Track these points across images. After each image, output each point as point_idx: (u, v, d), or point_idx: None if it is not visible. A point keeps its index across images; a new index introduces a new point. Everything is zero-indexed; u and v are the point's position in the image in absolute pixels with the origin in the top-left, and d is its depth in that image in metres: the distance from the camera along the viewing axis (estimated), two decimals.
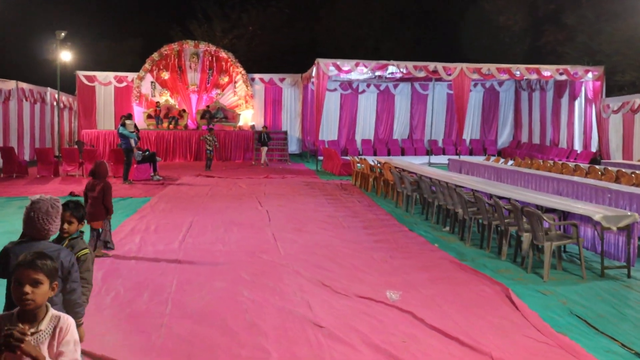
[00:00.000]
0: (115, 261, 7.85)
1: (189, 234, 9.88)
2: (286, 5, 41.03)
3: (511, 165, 17.33)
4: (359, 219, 11.67)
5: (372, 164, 16.85)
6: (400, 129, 30.86)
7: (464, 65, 22.74)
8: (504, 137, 31.19)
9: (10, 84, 21.11)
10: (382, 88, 30.20)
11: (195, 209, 12.55)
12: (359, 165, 17.73)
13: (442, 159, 25.72)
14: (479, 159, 19.89)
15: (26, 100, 22.47)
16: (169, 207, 12.77)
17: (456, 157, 21.24)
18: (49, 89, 25.40)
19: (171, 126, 26.72)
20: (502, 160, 18.94)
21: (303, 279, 7.25)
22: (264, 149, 23.83)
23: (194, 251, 8.68)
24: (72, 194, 14.34)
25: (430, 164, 22.19)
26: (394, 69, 23.34)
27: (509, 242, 8.75)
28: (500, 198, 9.35)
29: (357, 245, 9.28)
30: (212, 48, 28.81)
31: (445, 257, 8.57)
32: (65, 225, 4.33)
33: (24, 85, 22.31)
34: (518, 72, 23.16)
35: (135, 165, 17.62)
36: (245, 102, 28.75)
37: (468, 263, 8.27)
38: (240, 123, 28.04)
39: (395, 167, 14.80)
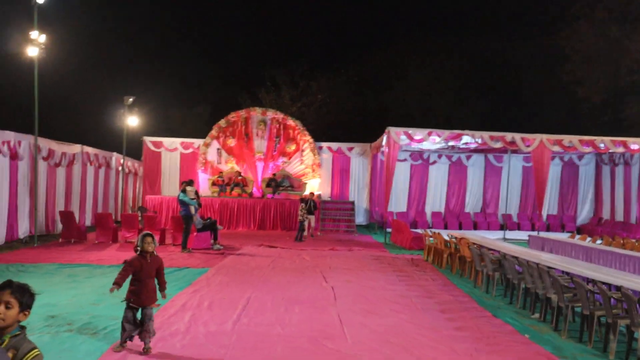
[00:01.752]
0: (159, 341, 6.83)
1: (245, 313, 8.85)
2: (355, 74, 40.70)
3: (600, 244, 15.76)
4: (435, 300, 10.43)
5: (447, 238, 15.62)
6: (472, 202, 29.48)
7: (544, 136, 21.45)
8: (584, 214, 29.33)
9: (75, 148, 20.93)
10: (454, 159, 29.03)
11: (255, 283, 11.56)
12: (431, 239, 16.51)
13: (518, 235, 24.31)
14: (562, 236, 18.36)
15: (90, 164, 22.28)
16: (227, 280, 11.81)
17: (537, 234, 19.75)
18: (114, 153, 25.29)
19: (235, 194, 26.12)
20: (589, 238, 17.36)
21: None
22: (312, 219, 22.23)
23: (248, 335, 7.62)
24: (126, 262, 13.55)
25: (505, 240, 20.73)
26: (468, 139, 22.20)
27: (617, 338, 7.39)
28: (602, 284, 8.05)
29: (435, 333, 8.06)
30: (280, 115, 28.36)
31: (542, 354, 7.27)
32: (1, 309, 3.23)
33: (89, 150, 22.15)
34: (602, 145, 21.69)
35: (195, 234, 16.86)
36: (312, 170, 28.01)
37: None
38: (307, 192, 27.23)
39: (474, 243, 13.54)
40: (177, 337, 7.35)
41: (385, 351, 7.03)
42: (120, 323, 7.85)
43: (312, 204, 21.75)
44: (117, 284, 6.59)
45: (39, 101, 16.95)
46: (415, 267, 14.74)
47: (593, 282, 8.77)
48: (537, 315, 9.46)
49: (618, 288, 8.43)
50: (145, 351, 6.63)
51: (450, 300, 10.59)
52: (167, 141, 28.54)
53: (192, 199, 16.60)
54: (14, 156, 16.50)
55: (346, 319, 8.64)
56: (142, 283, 6.72)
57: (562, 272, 10.20)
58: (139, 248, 6.78)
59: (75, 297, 9.58)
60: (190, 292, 10.34)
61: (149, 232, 6.87)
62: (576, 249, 14.49)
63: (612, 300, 7.54)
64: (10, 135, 16.24)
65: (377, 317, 8.94)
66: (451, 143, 23.67)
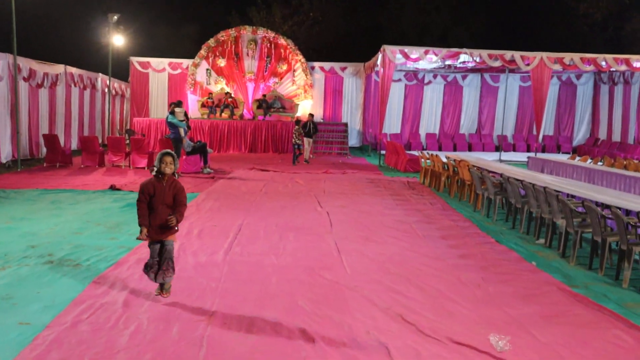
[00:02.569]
0: (143, 279, 6.34)
1: (237, 241, 8.38)
2: None
3: (602, 165, 15.29)
4: (435, 226, 9.99)
5: (444, 160, 15.12)
6: (467, 123, 28.92)
7: (545, 54, 20.72)
8: (581, 135, 28.83)
9: (58, 68, 20.06)
10: (449, 79, 28.31)
11: (247, 209, 11.08)
12: (428, 161, 16.01)
13: (513, 156, 23.94)
14: (561, 157, 17.88)
15: (75, 85, 21.46)
16: (217, 206, 11.32)
17: (535, 155, 19.28)
18: (100, 74, 24.43)
19: (225, 115, 25.43)
20: (589, 160, 16.89)
21: (377, 311, 5.67)
22: (309, 142, 20.84)
23: (241, 265, 7.16)
24: (112, 187, 13.05)
25: (501, 161, 20.31)
26: (466, 57, 21.45)
27: (632, 265, 6.97)
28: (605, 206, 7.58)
29: (438, 261, 7.63)
30: (271, 34, 27.34)
31: (552, 282, 6.86)
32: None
33: (73, 70, 21.29)
34: (604, 63, 20.98)
35: (184, 157, 16.30)
36: (304, 91, 27.23)
37: (581, 291, 6.57)
38: (299, 113, 26.56)
39: (474, 166, 13.04)
40: None
41: (387, 282, 6.59)
42: (104, 254, 7.40)
43: (312, 126, 20.65)
44: (144, 224, 5.54)
45: (18, 19, 16.04)
46: (412, 191, 14.29)
47: (605, 206, 8.33)
48: (542, 240, 9.05)
49: (627, 212, 8.01)
50: (165, 291, 5.80)
51: (451, 225, 10.16)
52: (155, 61, 27.63)
53: (181, 120, 15.95)
54: None
55: (344, 247, 8.19)
56: (155, 212, 5.58)
57: (567, 195, 9.74)
58: (155, 168, 5.62)
59: (58, 226, 9.06)
60: None
61: (169, 150, 5.69)
62: (578, 170, 14.02)
63: (628, 226, 7.10)
64: None
65: (376, 244, 8.49)
66: (448, 62, 22.99)
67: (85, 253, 7.46)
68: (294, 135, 20.07)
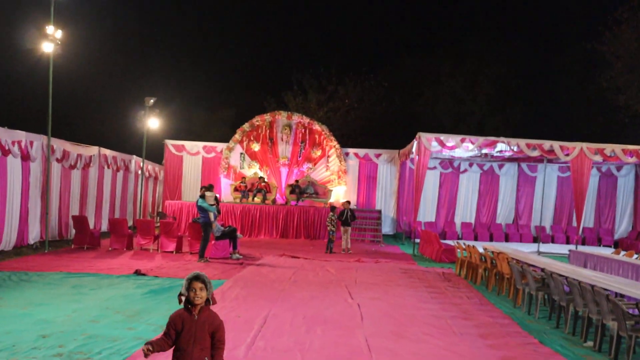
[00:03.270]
0: None
1: (261, 335, 7.86)
2: (385, 79, 39.59)
3: None
4: (473, 323, 9.35)
5: (481, 251, 14.51)
6: (504, 213, 28.25)
7: (585, 145, 20.24)
8: (622, 227, 27.93)
9: (92, 150, 20.13)
10: (485, 168, 27.86)
11: (274, 299, 10.57)
12: (464, 252, 15.40)
13: (552, 248, 23.15)
14: (603, 251, 17.12)
15: (108, 167, 21.48)
16: (244, 295, 10.82)
17: (576, 248, 18.52)
18: (134, 156, 24.53)
19: (258, 200, 25.20)
20: (635, 255, 16.09)
21: None
22: (348, 230, 19.70)
23: None
24: (137, 272, 12.68)
25: (539, 253, 19.57)
26: (503, 146, 21.07)
27: None
28: None
29: None
30: (306, 120, 27.38)
31: None
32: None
33: (107, 152, 21.36)
34: None
35: (213, 242, 15.93)
36: (338, 177, 26.98)
37: None
38: (332, 199, 26.24)
39: (513, 259, 12.42)
40: None
41: None
42: (117, 346, 6.94)
43: (349, 215, 19.42)
44: (151, 344, 4.32)
45: (55, 101, 16.19)
46: (447, 283, 13.66)
47: None
48: (590, 343, 8.35)
49: None
50: None
51: (490, 322, 9.51)
52: (189, 145, 27.79)
53: (212, 204, 15.68)
54: (25, 157, 15.71)
55: (374, 345, 7.61)
56: (184, 353, 4.33)
57: (616, 294, 9.07)
58: (182, 297, 4.47)
59: (76, 312, 8.65)
60: None
61: (199, 273, 4.49)
62: (624, 266, 13.28)
63: None
64: (21, 135, 15.46)
65: (409, 342, 7.90)
66: (485, 151, 22.59)
67: (98, 345, 6.99)
68: (328, 223, 19.35)
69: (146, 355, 4.28)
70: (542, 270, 10.73)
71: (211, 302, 4.46)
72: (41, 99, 16.67)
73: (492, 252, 13.75)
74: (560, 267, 11.33)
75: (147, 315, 8.73)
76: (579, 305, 8.80)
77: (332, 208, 19.84)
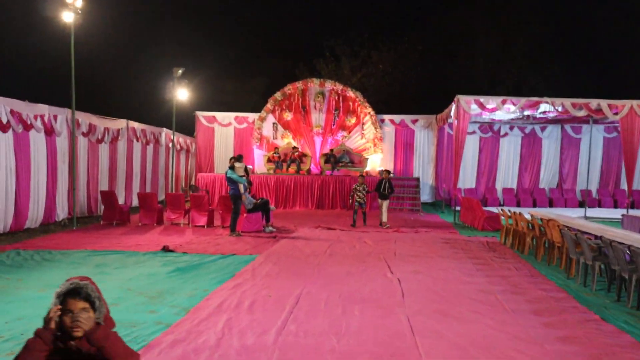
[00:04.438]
0: None
1: (293, 316, 7.18)
2: (419, 42, 38.39)
3: None
4: (525, 298, 8.54)
5: (528, 218, 13.62)
6: (547, 177, 27.19)
7: (635, 102, 19.05)
8: None
9: (120, 123, 19.59)
10: (527, 131, 26.76)
11: (308, 275, 9.88)
12: (509, 220, 14.53)
13: (599, 212, 22.12)
14: None
15: (137, 140, 20.94)
16: (276, 271, 10.16)
17: (627, 212, 17.47)
18: (164, 129, 23.96)
19: (292, 170, 24.53)
20: None
21: None
22: (384, 204, 17.91)
23: (294, 350, 5.92)
24: (165, 248, 12.10)
25: (586, 218, 18.57)
26: (546, 107, 20.00)
27: None
28: None
29: (534, 346, 6.22)
30: (339, 87, 26.50)
31: None
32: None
33: (136, 125, 20.81)
34: None
35: (245, 215, 15.30)
36: (374, 145, 26.16)
37: None
38: (368, 168, 25.46)
39: (565, 226, 11.53)
40: (202, 355, 5.70)
41: None
42: (136, 332, 6.34)
43: (387, 186, 17.69)
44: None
45: (78, 74, 15.58)
46: (493, 253, 12.83)
47: None
48: None
49: None
50: None
51: (543, 296, 8.69)
52: (220, 116, 27.18)
53: (241, 176, 15.02)
54: (49, 131, 15.21)
55: (418, 326, 6.88)
56: None
57: None
58: (52, 322, 3.00)
59: None
60: (231, 287, 8.73)
61: (79, 283, 3.12)
62: None
63: None
64: (44, 109, 14.95)
65: (456, 322, 7.15)
66: (527, 112, 21.59)
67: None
68: (358, 195, 17.45)
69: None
70: (598, 237, 9.85)
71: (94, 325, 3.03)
72: (64, 72, 16.05)
73: (541, 219, 12.86)
74: (618, 234, 10.41)
75: (171, 296, 8.12)
76: None
77: (362, 176, 18.24)
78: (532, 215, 13.72)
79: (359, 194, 17.45)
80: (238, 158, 15.51)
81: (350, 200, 17.85)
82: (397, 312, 7.51)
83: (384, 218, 17.79)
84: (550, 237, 11.70)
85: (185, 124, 28.99)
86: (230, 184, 14.95)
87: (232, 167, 14.94)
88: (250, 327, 6.66)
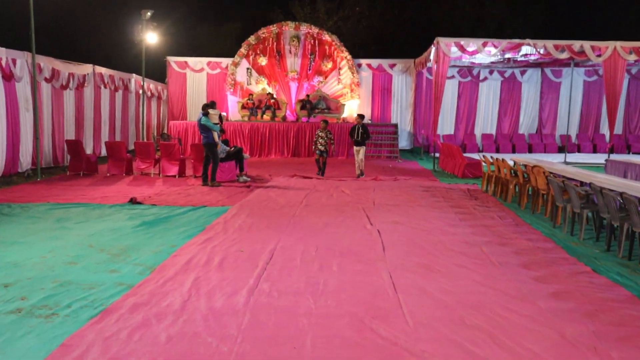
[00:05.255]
0: (132, 339, 4.70)
1: (266, 274, 6.66)
2: None
3: None
4: (511, 249, 8.10)
5: (511, 164, 13.16)
6: (527, 122, 26.83)
7: (618, 43, 18.54)
8: None
9: (86, 68, 18.70)
10: (507, 75, 26.24)
11: (283, 227, 9.35)
12: (491, 166, 14.07)
13: (579, 157, 21.87)
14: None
15: (105, 87, 20.08)
16: (249, 223, 9.61)
17: (611, 157, 17.08)
18: (134, 75, 23.06)
19: (267, 117, 23.85)
20: None
21: None
22: (360, 151, 16.62)
23: (267, 312, 5.41)
24: (132, 200, 11.49)
25: (566, 163, 18.21)
26: (528, 49, 19.45)
27: None
28: None
29: (526, 304, 5.77)
30: (315, 30, 25.65)
31: None
32: None
33: (103, 70, 19.91)
34: None
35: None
36: (351, 90, 25.50)
37: None
38: (345, 114, 24.86)
39: (551, 173, 11.09)
40: (165, 321, 5.16)
41: (463, 342, 4.79)
42: (93, 296, 5.79)
43: (361, 131, 16.27)
44: None
45: (40, 15, 14.67)
46: (475, 201, 12.41)
47: None
48: None
49: None
50: None
51: (531, 247, 8.26)
52: (193, 61, 26.26)
53: (216, 123, 14.34)
54: (7, 77, 14.37)
55: (400, 282, 6.41)
56: None
57: None
58: None
59: (52, 253, 7.47)
60: (200, 242, 8.18)
61: None
62: None
63: None
64: (1, 52, 14.05)
65: (441, 277, 6.68)
66: (508, 55, 21.06)
67: (70, 295, 5.80)
68: (320, 141, 16.29)
69: None
70: (584, 184, 9.40)
71: None
72: (23, 13, 15.08)
73: (525, 166, 12.41)
74: (602, 180, 9.95)
75: (136, 253, 7.55)
76: (636, 225, 7.51)
77: (325, 121, 16.87)
78: (515, 162, 13.27)
79: (320, 140, 16.26)
80: (211, 104, 14.82)
81: (314, 148, 16.78)
82: (378, 267, 7.03)
83: (360, 168, 16.59)
84: (535, 184, 11.26)
85: (156, 70, 28.08)
86: (202, 131, 14.26)
87: (205, 114, 14.21)
88: (219, 287, 6.13)
